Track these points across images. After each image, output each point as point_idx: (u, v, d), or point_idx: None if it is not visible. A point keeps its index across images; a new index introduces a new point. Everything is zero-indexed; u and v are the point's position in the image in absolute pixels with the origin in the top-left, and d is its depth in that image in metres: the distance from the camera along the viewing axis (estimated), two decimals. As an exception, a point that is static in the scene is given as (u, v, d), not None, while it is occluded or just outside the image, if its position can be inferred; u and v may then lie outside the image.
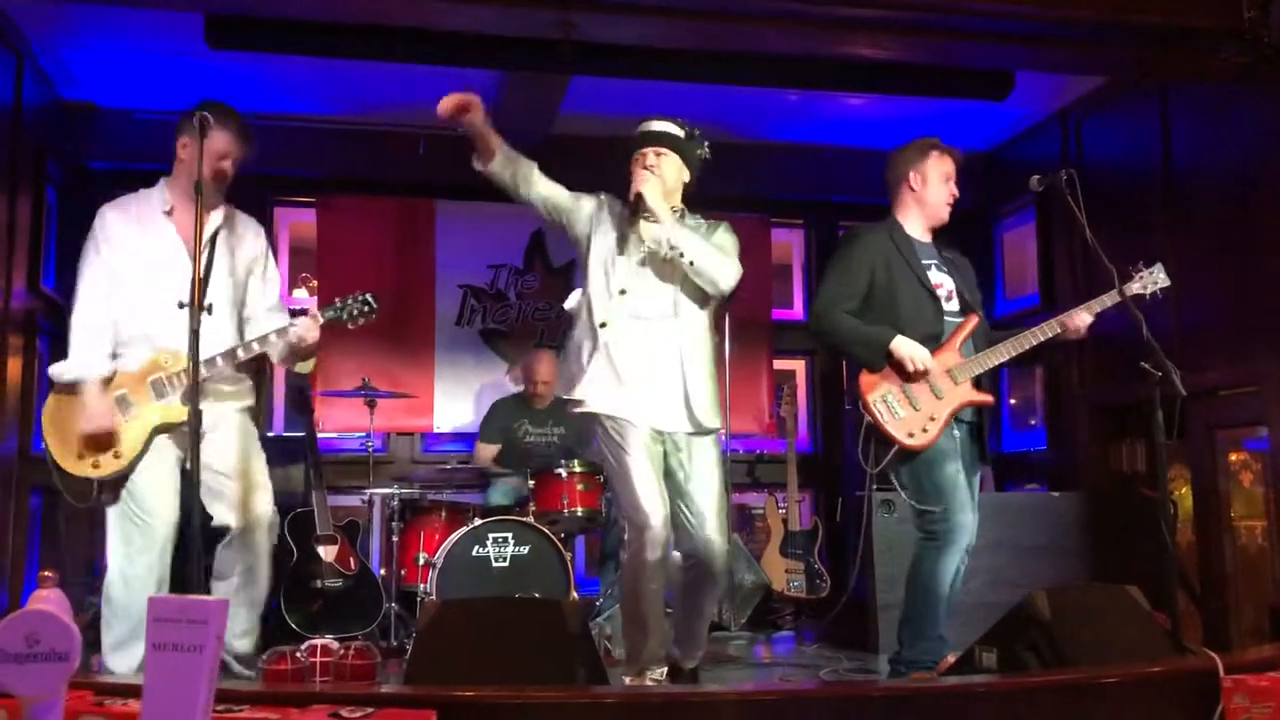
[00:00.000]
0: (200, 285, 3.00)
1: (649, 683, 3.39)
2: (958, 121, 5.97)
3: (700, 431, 3.47)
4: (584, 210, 3.55)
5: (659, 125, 3.53)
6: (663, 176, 3.48)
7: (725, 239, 3.57)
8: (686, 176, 3.57)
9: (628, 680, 3.41)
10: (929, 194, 3.79)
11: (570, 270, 6.59)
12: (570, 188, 3.60)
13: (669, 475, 3.45)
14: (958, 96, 5.52)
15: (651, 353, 3.43)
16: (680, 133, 3.52)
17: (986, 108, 5.72)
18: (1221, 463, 4.82)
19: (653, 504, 3.31)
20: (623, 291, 3.44)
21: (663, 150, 3.49)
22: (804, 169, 6.44)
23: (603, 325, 3.42)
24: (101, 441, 3.32)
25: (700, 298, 3.50)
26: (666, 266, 3.45)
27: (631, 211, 3.46)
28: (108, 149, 5.66)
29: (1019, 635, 3.07)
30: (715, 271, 3.43)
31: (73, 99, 5.63)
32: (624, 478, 3.36)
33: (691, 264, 3.40)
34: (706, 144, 3.56)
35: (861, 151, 6.41)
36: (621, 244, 3.49)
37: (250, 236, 3.66)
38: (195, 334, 2.95)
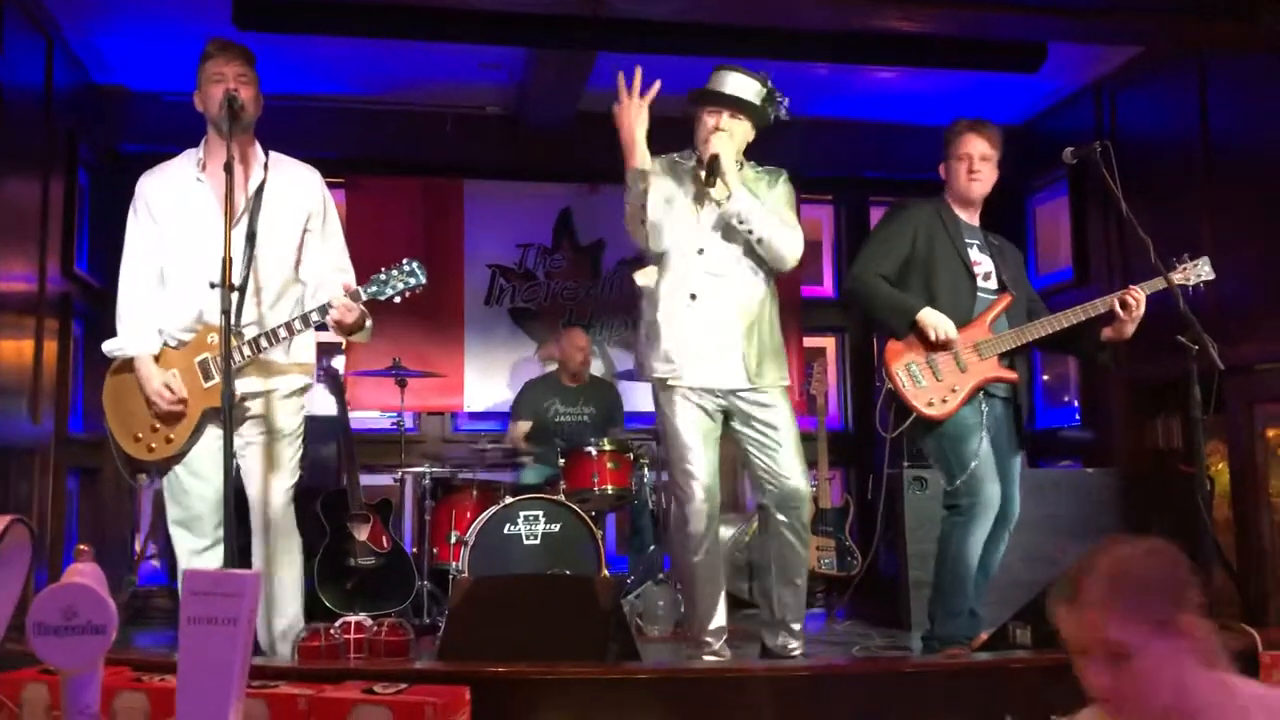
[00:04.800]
0: (229, 264, 2.91)
1: (706, 658, 3.42)
2: (990, 94, 5.90)
3: (767, 387, 3.48)
4: (657, 189, 3.43)
5: (737, 84, 3.46)
6: (734, 141, 3.46)
7: (785, 194, 3.58)
8: (752, 137, 3.56)
9: (691, 649, 3.48)
10: (949, 174, 3.80)
11: (598, 249, 6.58)
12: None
13: (742, 434, 3.48)
14: (989, 69, 5.46)
15: (728, 311, 3.45)
16: (757, 98, 3.46)
17: (1019, 80, 5.64)
18: (1259, 438, 4.75)
19: (699, 477, 3.37)
20: (700, 251, 3.46)
21: (739, 114, 3.47)
22: (834, 144, 6.38)
23: (693, 297, 3.42)
24: (173, 415, 3.21)
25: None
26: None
27: (707, 174, 3.39)
28: (139, 132, 5.70)
29: (1054, 612, 3.05)
30: (783, 247, 3.45)
31: (104, 82, 5.67)
32: (669, 448, 3.40)
33: (760, 241, 3.42)
34: (785, 101, 3.51)
35: (892, 126, 6.35)
36: (695, 201, 3.47)
37: (304, 188, 3.39)
38: (226, 315, 2.91)
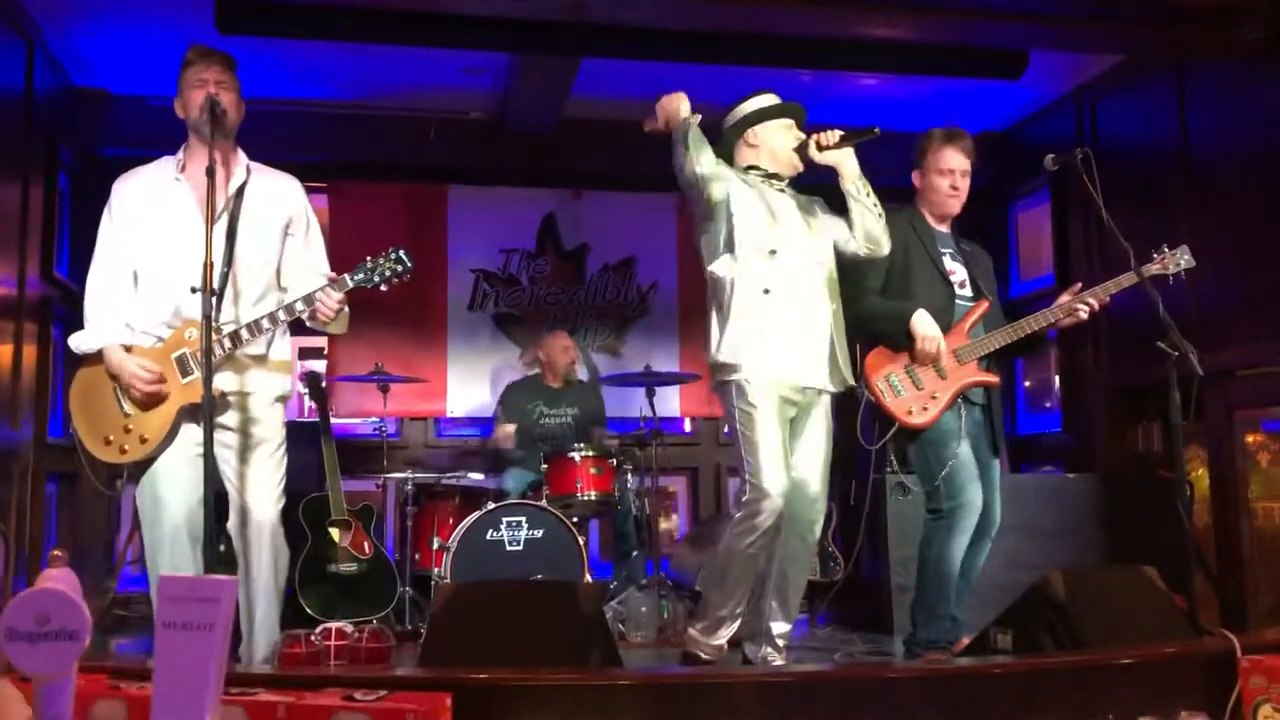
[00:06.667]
0: (211, 269, 2.89)
1: (712, 645, 3.43)
2: (972, 101, 5.93)
3: (839, 386, 3.54)
4: (725, 176, 3.50)
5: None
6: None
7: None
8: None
9: (692, 631, 3.49)
10: (928, 187, 3.83)
11: (583, 254, 6.57)
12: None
13: (793, 433, 3.48)
14: (971, 76, 5.48)
15: (806, 311, 3.47)
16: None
17: (1000, 87, 5.67)
18: (1239, 443, 4.79)
19: (777, 474, 3.31)
20: (773, 252, 3.45)
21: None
22: (817, 151, 6.39)
23: (766, 292, 3.41)
24: (152, 403, 3.12)
25: (832, 258, 3.58)
26: (812, 227, 3.55)
27: (846, 137, 3.56)
28: (120, 136, 5.67)
29: (1035, 616, 3.06)
30: (881, 227, 3.57)
31: (85, 86, 5.64)
32: (751, 443, 3.35)
33: (880, 215, 3.56)
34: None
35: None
36: (768, 208, 3.51)
37: (284, 194, 3.36)
38: (207, 319, 2.88)
